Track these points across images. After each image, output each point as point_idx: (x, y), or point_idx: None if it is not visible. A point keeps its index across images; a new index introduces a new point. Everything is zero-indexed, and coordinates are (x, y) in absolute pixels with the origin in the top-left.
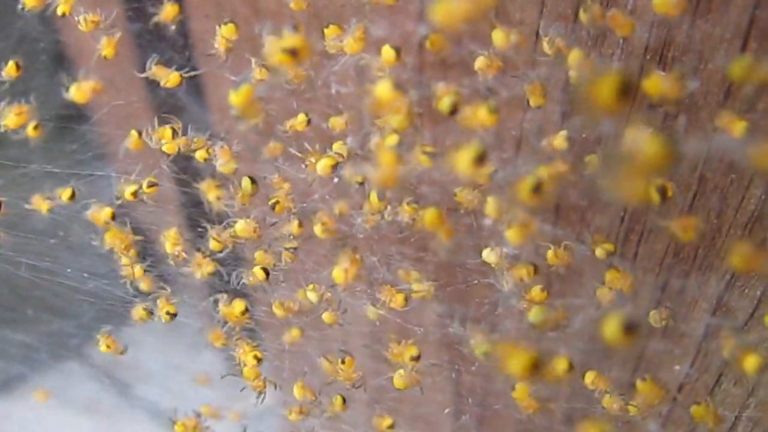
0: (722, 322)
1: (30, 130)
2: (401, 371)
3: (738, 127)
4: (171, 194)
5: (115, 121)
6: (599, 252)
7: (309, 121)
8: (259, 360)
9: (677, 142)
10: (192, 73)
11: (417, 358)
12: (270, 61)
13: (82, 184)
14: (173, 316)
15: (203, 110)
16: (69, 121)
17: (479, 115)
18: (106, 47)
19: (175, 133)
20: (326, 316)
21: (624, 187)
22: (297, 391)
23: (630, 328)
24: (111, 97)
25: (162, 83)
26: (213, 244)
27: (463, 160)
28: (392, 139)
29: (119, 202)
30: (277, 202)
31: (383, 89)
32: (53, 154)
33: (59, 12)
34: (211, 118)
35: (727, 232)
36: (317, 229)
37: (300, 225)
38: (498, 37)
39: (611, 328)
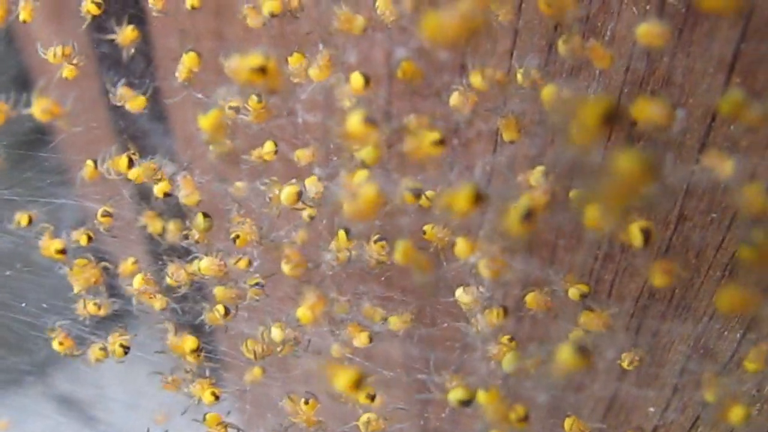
0: (700, 364)
1: None
2: (368, 416)
3: (726, 166)
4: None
5: (77, 147)
6: (573, 293)
7: (276, 151)
8: (216, 397)
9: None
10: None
11: (372, 398)
12: (237, 80)
13: (43, 212)
14: (126, 349)
15: (167, 138)
16: (30, 146)
17: (423, 147)
18: (66, 69)
19: (131, 162)
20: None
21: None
22: None
23: (582, 353)
24: (72, 123)
25: (128, 106)
26: (170, 281)
27: (461, 199)
28: (361, 174)
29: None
30: (238, 236)
31: (354, 122)
32: (12, 181)
33: (21, 19)
34: (176, 147)
35: (706, 273)
36: (285, 267)
37: (249, 262)
38: (476, 79)
39: (564, 354)
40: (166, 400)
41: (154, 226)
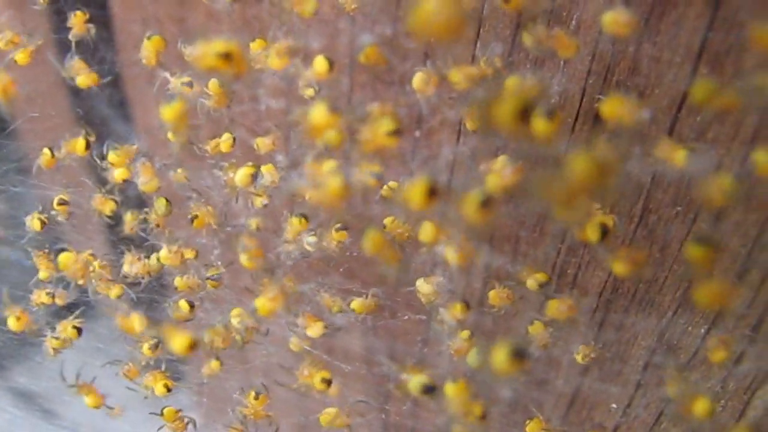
0: (664, 360)
1: None
2: (330, 410)
3: (678, 156)
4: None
5: (35, 134)
6: (531, 283)
7: (234, 141)
8: (168, 389)
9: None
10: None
11: (328, 382)
12: (202, 66)
13: (1, 199)
14: (79, 331)
15: (126, 125)
16: None
17: (378, 138)
18: (19, 54)
19: (88, 144)
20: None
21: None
22: None
23: (517, 356)
24: (29, 109)
25: (78, 81)
26: (127, 269)
27: (415, 194)
28: (329, 164)
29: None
30: (196, 217)
31: (318, 113)
32: None
33: None
34: (135, 134)
35: (670, 267)
36: (243, 258)
37: (196, 253)
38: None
39: (500, 356)
40: (124, 393)
41: (104, 208)
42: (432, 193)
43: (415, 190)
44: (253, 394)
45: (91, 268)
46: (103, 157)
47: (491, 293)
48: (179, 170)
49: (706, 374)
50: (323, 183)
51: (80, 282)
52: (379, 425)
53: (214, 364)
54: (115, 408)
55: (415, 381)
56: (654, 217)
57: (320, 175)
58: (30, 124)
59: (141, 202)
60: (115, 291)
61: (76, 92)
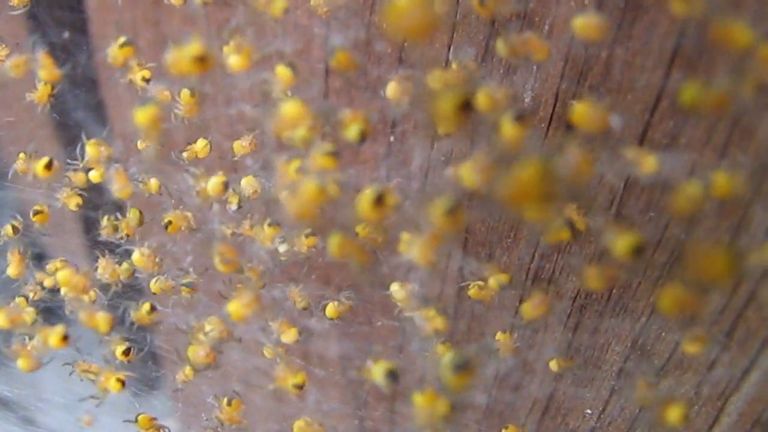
0: (638, 365)
1: None
2: (306, 419)
3: (648, 162)
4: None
5: (10, 138)
6: (492, 282)
7: (210, 147)
8: (123, 383)
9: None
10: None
11: (301, 387)
12: (175, 71)
13: None
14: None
15: (101, 130)
16: None
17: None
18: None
19: (50, 165)
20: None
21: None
22: None
23: (461, 368)
24: (6, 114)
25: (41, 74)
26: (100, 275)
27: (364, 203)
28: (296, 164)
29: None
30: (170, 222)
31: (290, 107)
32: None
33: None
34: (111, 139)
35: (644, 273)
36: (216, 261)
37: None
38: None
39: (445, 369)
40: (102, 400)
41: (70, 202)
42: (379, 201)
43: (364, 199)
44: (226, 400)
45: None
46: (76, 159)
47: (473, 287)
48: (152, 180)
49: (679, 380)
50: (297, 187)
51: (84, 297)
52: (354, 430)
53: (188, 370)
54: (85, 417)
55: (378, 367)
56: (627, 222)
57: (293, 179)
58: (5, 130)
59: (118, 206)
60: (88, 296)
61: (53, 95)
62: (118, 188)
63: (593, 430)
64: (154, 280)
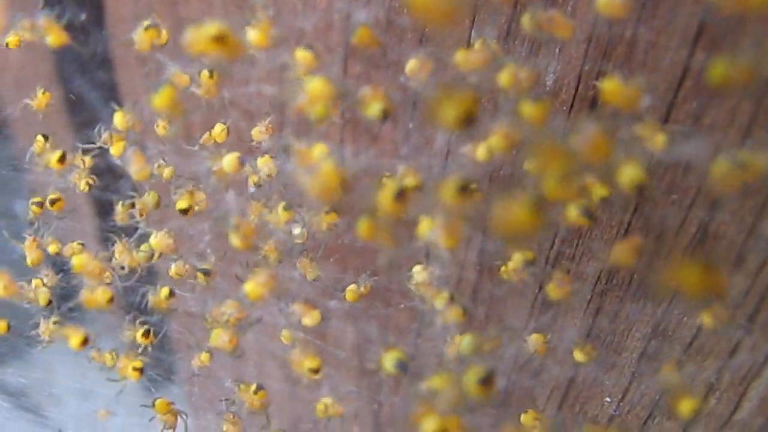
0: (658, 351)
1: None
2: (326, 400)
3: (658, 140)
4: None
5: (26, 120)
6: (516, 260)
7: (228, 131)
8: (140, 371)
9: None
10: None
11: (316, 371)
12: (195, 51)
13: None
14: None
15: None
16: None
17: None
18: (10, 37)
19: (63, 158)
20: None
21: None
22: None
23: (486, 382)
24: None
25: (49, 41)
26: (120, 257)
27: (385, 196)
28: (320, 148)
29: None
30: (190, 207)
31: (316, 85)
32: None
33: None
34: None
35: (666, 256)
36: (233, 238)
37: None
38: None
39: (470, 380)
40: (116, 391)
41: (80, 182)
42: (400, 196)
43: (385, 193)
44: (254, 387)
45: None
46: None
47: (503, 268)
48: (167, 168)
49: (701, 365)
50: (316, 168)
51: (99, 282)
52: (371, 416)
53: (204, 356)
54: (102, 411)
55: (389, 357)
56: (649, 206)
57: (311, 161)
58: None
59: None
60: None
61: (67, 77)
62: (136, 170)
63: (612, 417)
64: (173, 264)
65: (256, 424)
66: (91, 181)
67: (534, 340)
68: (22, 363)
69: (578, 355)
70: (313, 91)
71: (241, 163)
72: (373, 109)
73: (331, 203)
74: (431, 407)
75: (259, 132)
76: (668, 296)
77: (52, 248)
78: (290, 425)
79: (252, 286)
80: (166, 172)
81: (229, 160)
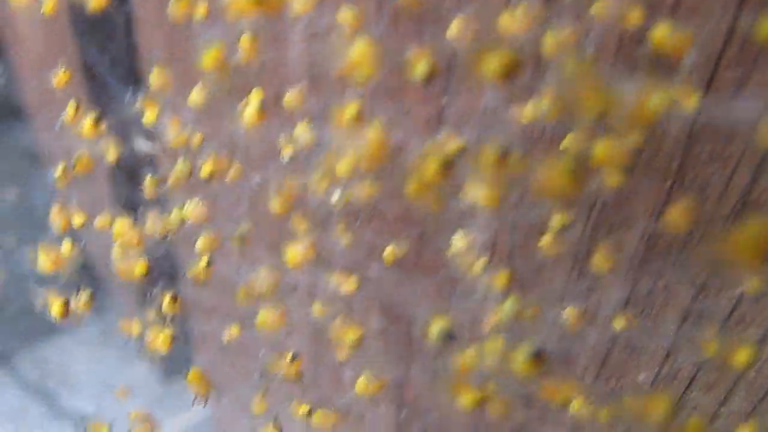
0: (697, 324)
1: None
2: (367, 374)
3: (691, 100)
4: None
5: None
6: (555, 221)
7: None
8: (169, 341)
9: None
10: None
11: (358, 343)
12: (233, 11)
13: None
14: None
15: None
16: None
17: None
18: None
19: (97, 122)
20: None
21: None
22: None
23: (537, 357)
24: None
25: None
26: (150, 227)
27: (429, 167)
28: (352, 108)
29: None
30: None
31: (360, 46)
32: None
33: None
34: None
35: (705, 227)
36: (273, 202)
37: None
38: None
39: (519, 358)
40: (133, 383)
41: (110, 154)
42: (447, 167)
43: (429, 164)
44: (289, 356)
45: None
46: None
47: (544, 239)
48: (197, 134)
49: (741, 336)
50: (360, 134)
51: (134, 248)
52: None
53: (233, 329)
54: (120, 388)
55: (435, 326)
56: (690, 175)
57: (355, 125)
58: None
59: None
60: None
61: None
62: (172, 135)
63: (649, 391)
64: (202, 234)
65: (287, 396)
66: (119, 153)
67: (570, 312)
68: (39, 352)
69: (618, 323)
70: (358, 52)
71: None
72: (419, 70)
73: (374, 169)
74: (468, 380)
75: (292, 98)
76: (709, 265)
77: (77, 219)
78: (320, 398)
79: (292, 253)
80: (196, 139)
81: (252, 105)
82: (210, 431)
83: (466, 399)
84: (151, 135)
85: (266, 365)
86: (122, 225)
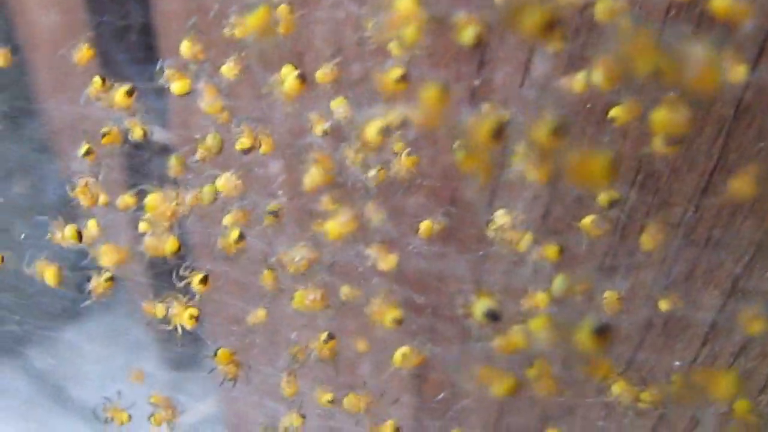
0: (736, 309)
1: None
2: (404, 349)
3: (738, 71)
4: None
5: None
6: (602, 199)
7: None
8: (195, 318)
9: None
10: None
11: (399, 322)
12: None
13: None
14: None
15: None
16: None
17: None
18: None
19: (131, 93)
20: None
21: None
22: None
23: (601, 332)
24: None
25: None
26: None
27: (482, 132)
28: (396, 72)
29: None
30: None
31: (404, 4)
32: None
33: None
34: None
35: (750, 208)
36: (312, 172)
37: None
38: None
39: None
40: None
41: (135, 131)
42: (498, 134)
43: (482, 129)
44: (323, 336)
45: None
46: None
47: (585, 221)
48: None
49: None
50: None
51: (166, 224)
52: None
53: (260, 312)
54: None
55: (479, 304)
56: (734, 155)
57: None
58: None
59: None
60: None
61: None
62: (208, 102)
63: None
64: (229, 210)
65: (318, 378)
66: (145, 131)
67: (609, 296)
68: (47, 344)
69: (663, 304)
70: (403, 10)
71: (303, 80)
72: (467, 34)
73: (421, 135)
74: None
75: (323, 74)
76: (751, 247)
77: (102, 199)
78: (352, 381)
79: (333, 225)
80: (224, 115)
81: (289, 79)
82: (221, 424)
83: (505, 382)
84: (168, 124)
85: (297, 347)
86: (155, 199)
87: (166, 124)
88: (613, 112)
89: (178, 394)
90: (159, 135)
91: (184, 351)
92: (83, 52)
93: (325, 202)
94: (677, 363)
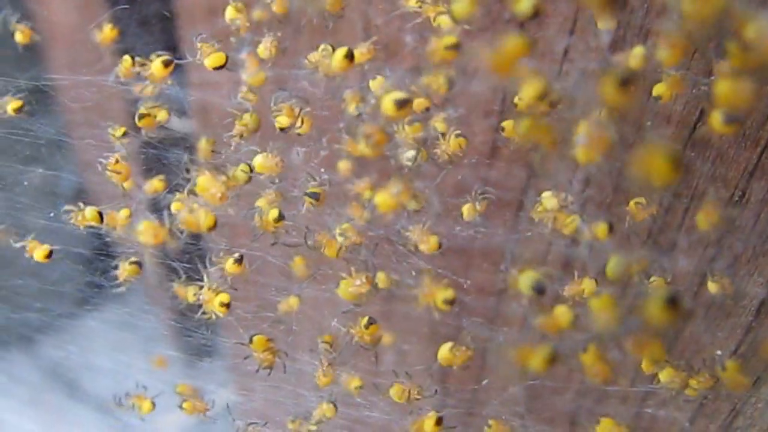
0: None
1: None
2: (448, 345)
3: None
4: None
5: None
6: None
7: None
8: (227, 305)
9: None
10: None
11: (451, 302)
12: None
13: None
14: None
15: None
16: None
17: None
18: None
19: (168, 64)
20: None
21: None
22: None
23: (673, 303)
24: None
25: None
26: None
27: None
28: (449, 39)
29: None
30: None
31: None
32: None
33: None
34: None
35: None
36: (363, 144)
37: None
38: None
39: (655, 305)
40: (152, 369)
41: (160, 114)
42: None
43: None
44: (364, 321)
45: None
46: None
47: (631, 205)
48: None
49: None
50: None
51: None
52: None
53: (292, 300)
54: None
55: (525, 277)
56: None
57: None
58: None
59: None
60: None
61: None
62: (250, 74)
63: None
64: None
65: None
66: (167, 115)
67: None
68: (60, 336)
69: (712, 287)
70: None
71: (351, 58)
72: (523, 5)
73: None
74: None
75: (360, 53)
76: None
77: (127, 184)
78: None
79: (384, 197)
80: (252, 97)
81: (338, 56)
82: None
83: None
84: (186, 113)
85: (329, 335)
86: (205, 181)
87: (186, 113)
88: (656, 90)
89: (196, 382)
90: (176, 124)
91: (201, 340)
92: (106, 33)
93: (368, 181)
94: (718, 353)
